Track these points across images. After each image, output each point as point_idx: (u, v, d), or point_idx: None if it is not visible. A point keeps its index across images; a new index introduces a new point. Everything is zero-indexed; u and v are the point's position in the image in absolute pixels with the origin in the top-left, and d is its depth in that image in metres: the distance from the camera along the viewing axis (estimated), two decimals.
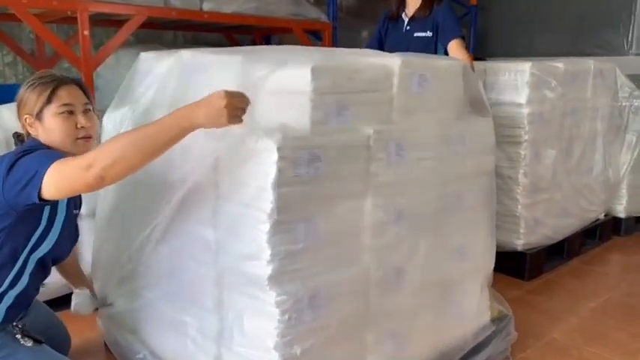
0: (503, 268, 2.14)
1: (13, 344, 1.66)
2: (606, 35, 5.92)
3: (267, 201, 1.42)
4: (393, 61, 1.68)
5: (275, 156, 1.39)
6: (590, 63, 3.39)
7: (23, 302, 1.72)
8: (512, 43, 6.55)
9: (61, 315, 2.18)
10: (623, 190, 3.83)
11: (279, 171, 1.40)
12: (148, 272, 1.84)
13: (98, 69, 3.72)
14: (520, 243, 3.03)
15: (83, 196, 2.50)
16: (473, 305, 2.01)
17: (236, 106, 1.37)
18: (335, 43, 5.07)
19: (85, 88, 1.73)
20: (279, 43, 5.38)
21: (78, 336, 2.26)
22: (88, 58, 3.51)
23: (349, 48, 2.05)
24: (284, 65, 1.56)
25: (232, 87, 1.61)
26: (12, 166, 1.49)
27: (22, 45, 4.78)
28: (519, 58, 3.26)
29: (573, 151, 3.31)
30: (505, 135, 2.91)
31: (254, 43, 5.47)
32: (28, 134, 1.66)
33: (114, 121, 2.09)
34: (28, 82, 1.65)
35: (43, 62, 4.75)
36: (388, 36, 2.99)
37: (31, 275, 1.68)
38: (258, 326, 1.50)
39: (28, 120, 1.61)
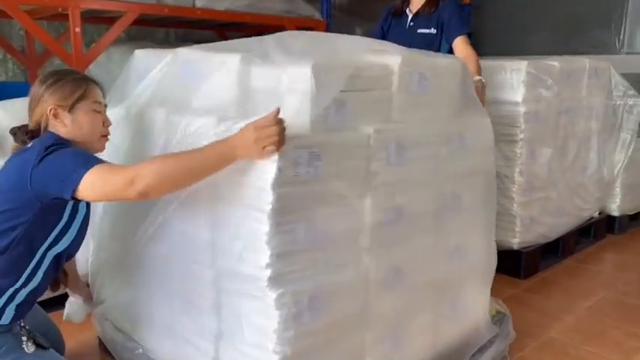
0: (499, 266, 2.14)
1: (19, 350, 1.62)
2: (598, 34, 5.94)
3: (266, 201, 1.39)
4: (393, 59, 1.66)
5: (275, 155, 1.37)
6: (585, 62, 3.39)
7: (32, 300, 1.68)
8: (506, 42, 6.56)
9: (52, 317, 2.16)
10: (617, 189, 3.84)
11: (279, 171, 1.38)
12: (145, 272, 1.81)
13: (89, 67, 3.67)
14: (516, 242, 3.03)
15: None
16: (472, 305, 2.00)
17: (267, 137, 1.36)
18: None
19: (104, 88, 1.77)
20: None
21: (71, 338, 2.23)
22: (79, 55, 3.46)
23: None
24: (283, 64, 1.53)
25: (230, 86, 1.60)
26: (44, 157, 1.48)
27: (12, 42, 4.71)
28: (513, 57, 3.25)
29: (568, 149, 3.32)
30: (501, 133, 2.90)
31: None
32: (44, 129, 1.60)
33: (111, 118, 2.05)
34: (55, 74, 1.64)
35: (34, 60, 4.69)
36: (391, 32, 2.93)
37: (45, 272, 1.65)
38: (257, 328, 1.48)
39: (53, 111, 1.58)
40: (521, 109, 2.94)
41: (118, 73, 2.14)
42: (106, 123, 1.70)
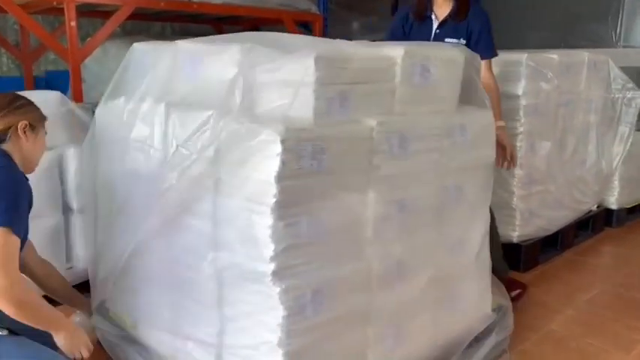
0: None
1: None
2: (595, 28, 5.94)
3: (270, 195, 1.38)
4: (395, 51, 1.65)
5: (278, 148, 1.36)
6: (584, 55, 3.39)
7: None
8: (503, 36, 6.54)
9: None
10: (616, 182, 3.85)
11: (283, 164, 1.36)
12: (146, 268, 1.79)
13: (85, 61, 3.63)
14: (515, 235, 3.03)
15: (78, 189, 2.48)
16: (473, 299, 2.00)
17: (75, 346, 1.60)
18: (325, 35, 5.02)
19: None
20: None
21: None
22: (75, 49, 3.42)
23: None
24: (285, 55, 1.52)
25: (232, 79, 1.58)
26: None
27: (6, 36, 4.66)
28: (511, 51, 3.24)
29: (567, 143, 3.31)
30: None
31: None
32: (3, 138, 1.66)
33: (107, 113, 2.03)
34: (24, 98, 1.78)
35: (28, 54, 4.64)
36: (413, 35, 2.54)
37: None
38: (260, 322, 1.47)
39: (25, 127, 1.69)
40: (521, 102, 2.93)
41: (114, 67, 2.11)
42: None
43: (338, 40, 1.87)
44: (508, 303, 2.21)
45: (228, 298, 1.57)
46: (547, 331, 2.46)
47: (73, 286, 2.26)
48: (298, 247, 1.44)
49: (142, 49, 1.98)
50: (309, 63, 1.43)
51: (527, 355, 2.24)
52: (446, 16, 2.52)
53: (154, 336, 1.86)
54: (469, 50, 1.96)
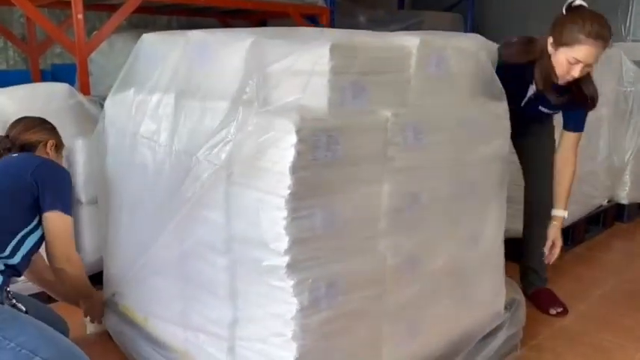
0: (510, 254, 2.12)
1: (18, 316, 1.66)
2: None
3: (284, 186, 1.36)
4: (411, 40, 1.62)
5: (294, 138, 1.33)
6: None
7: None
8: (509, 30, 6.50)
9: (60, 308, 2.13)
10: (627, 177, 3.80)
11: (298, 154, 1.34)
12: (157, 261, 1.77)
13: (92, 55, 3.61)
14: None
15: (86, 182, 2.49)
16: (486, 293, 1.97)
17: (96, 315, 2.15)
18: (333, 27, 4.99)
19: None
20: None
21: (82, 327, 2.22)
22: (82, 43, 3.40)
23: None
24: (300, 44, 1.49)
25: (245, 70, 1.55)
26: (53, 167, 1.89)
27: (12, 30, 4.65)
28: None
29: None
30: None
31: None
32: (33, 148, 1.99)
33: (116, 105, 2.02)
34: (48, 121, 2.10)
35: (35, 47, 4.63)
36: (505, 82, 1.94)
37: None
38: (274, 315, 1.45)
39: (54, 145, 2.04)
40: None
41: (121, 60, 2.11)
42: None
43: (349, 31, 1.84)
44: (521, 297, 2.18)
45: (241, 291, 1.55)
46: (560, 326, 2.43)
47: None
48: (312, 240, 1.42)
49: (151, 39, 1.96)
50: (324, 52, 1.40)
51: (541, 350, 2.22)
52: (555, 100, 2.17)
53: (166, 329, 1.85)
54: (484, 39, 1.92)
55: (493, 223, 1.96)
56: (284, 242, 1.38)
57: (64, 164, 2.18)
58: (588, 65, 2.03)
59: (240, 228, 1.52)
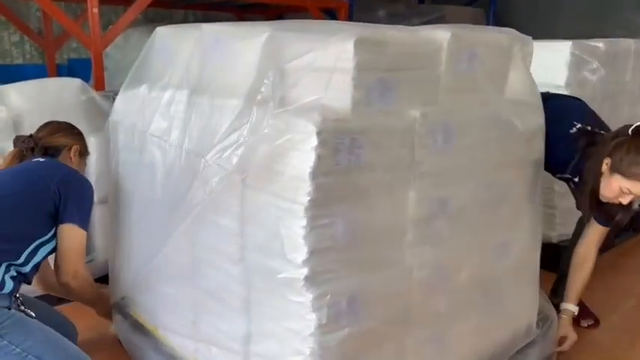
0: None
1: (26, 321, 1.64)
2: (628, 16, 5.68)
3: (303, 193, 1.25)
4: (441, 34, 1.49)
5: (314, 141, 1.23)
6: (630, 42, 3.18)
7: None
8: (532, 26, 6.31)
9: (70, 309, 2.06)
10: None
11: (319, 159, 1.23)
12: (168, 268, 1.68)
13: (107, 49, 3.55)
14: (555, 235, 2.86)
15: (99, 180, 2.42)
16: (518, 307, 1.85)
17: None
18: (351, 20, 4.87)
19: None
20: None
21: (90, 330, 2.15)
22: (97, 37, 3.33)
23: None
24: (320, 38, 1.38)
25: (261, 66, 1.45)
26: (78, 179, 1.86)
27: (29, 24, 4.62)
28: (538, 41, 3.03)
29: None
30: None
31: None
32: (51, 153, 1.93)
33: (127, 102, 1.93)
34: (76, 127, 2.06)
35: (51, 42, 4.59)
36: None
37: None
38: (290, 331, 1.35)
39: (77, 150, 1.99)
40: (564, 94, 2.74)
41: (136, 55, 2.03)
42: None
43: (371, 24, 1.73)
44: (553, 314, 2.05)
45: (255, 303, 1.45)
46: (591, 339, 2.30)
47: (94, 280, 2.23)
48: (333, 251, 1.31)
49: (165, 33, 1.86)
50: (348, 47, 1.29)
51: None
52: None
53: (175, 339, 1.76)
54: (519, 33, 1.79)
55: (526, 232, 1.83)
56: (302, 253, 1.28)
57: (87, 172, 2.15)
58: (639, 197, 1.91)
59: (254, 235, 1.42)
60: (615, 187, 1.87)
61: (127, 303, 1.96)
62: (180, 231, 1.57)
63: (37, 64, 4.84)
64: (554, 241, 2.87)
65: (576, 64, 2.76)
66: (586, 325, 2.38)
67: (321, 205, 1.27)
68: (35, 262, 1.72)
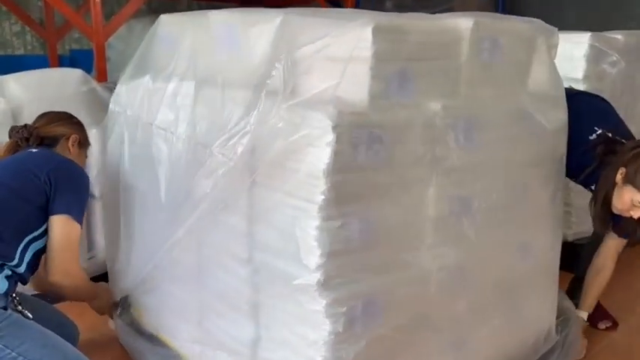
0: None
1: (23, 323, 1.56)
2: (638, 8, 5.56)
3: (317, 191, 1.17)
4: (463, 22, 1.40)
5: (330, 136, 1.14)
6: None
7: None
8: (544, 19, 6.19)
9: (70, 307, 1.98)
10: None
11: (335, 155, 1.15)
12: (171, 264, 1.60)
13: (110, 40, 3.46)
14: (570, 233, 2.77)
15: (100, 174, 2.34)
16: (538, 307, 1.77)
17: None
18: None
19: None
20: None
21: (91, 330, 2.07)
22: (99, 27, 3.24)
23: None
24: (336, 25, 1.29)
25: (272, 55, 1.36)
26: (71, 168, 1.73)
27: (30, 14, 4.52)
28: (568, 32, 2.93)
29: None
30: None
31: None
32: (49, 143, 1.82)
33: (129, 92, 1.85)
34: (75, 117, 1.96)
35: (53, 32, 4.50)
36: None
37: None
38: (302, 337, 1.27)
39: (76, 140, 1.87)
40: (581, 88, 2.64)
41: (139, 46, 1.96)
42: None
43: (386, 12, 1.64)
44: (574, 316, 1.97)
45: (264, 306, 1.38)
46: (610, 341, 2.21)
47: (95, 278, 2.16)
48: (349, 253, 1.23)
49: (169, 21, 1.78)
50: (366, 35, 1.20)
51: None
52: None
53: (179, 341, 1.69)
54: (543, 23, 1.69)
55: (547, 231, 1.75)
56: (316, 256, 1.20)
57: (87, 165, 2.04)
58: None
59: (263, 235, 1.34)
60: (627, 200, 1.78)
61: (129, 302, 1.89)
62: (185, 228, 1.48)
63: (38, 55, 4.75)
64: (570, 239, 2.77)
65: (595, 56, 2.65)
66: (604, 327, 2.29)
67: (336, 205, 1.19)
68: (29, 260, 1.63)
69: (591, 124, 1.99)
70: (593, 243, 2.30)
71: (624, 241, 2.08)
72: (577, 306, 2.19)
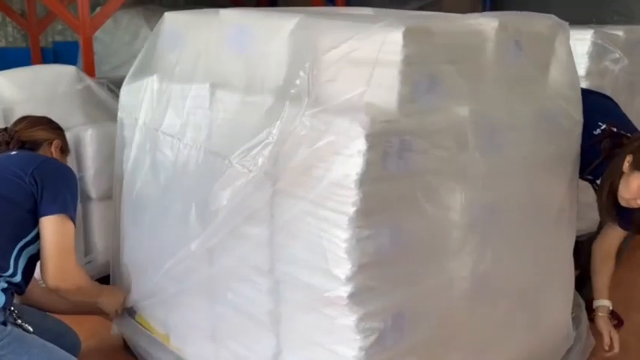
0: None
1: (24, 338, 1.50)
2: (629, 3, 5.58)
3: (348, 202, 1.13)
4: (487, 23, 1.36)
5: (363, 145, 1.09)
6: None
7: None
8: (527, 10, 6.20)
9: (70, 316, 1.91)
10: None
11: (367, 165, 1.10)
12: (185, 273, 1.53)
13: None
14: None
15: (97, 175, 2.25)
16: (558, 316, 1.75)
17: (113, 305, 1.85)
18: (349, 3, 4.71)
19: None
20: (286, 5, 4.97)
21: (92, 337, 2.01)
22: (86, 19, 3.11)
23: None
24: (360, 27, 1.24)
25: (292, 58, 1.30)
26: (56, 165, 1.69)
27: (11, 4, 4.36)
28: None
29: None
30: None
31: (258, 6, 5.03)
32: (36, 147, 1.77)
33: (132, 94, 1.77)
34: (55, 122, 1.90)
35: (35, 24, 4.35)
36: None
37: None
38: (330, 353, 1.23)
39: (58, 145, 1.83)
40: (583, 85, 2.63)
41: (126, 39, 1.88)
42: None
43: (402, 11, 1.59)
44: (584, 315, 1.96)
45: (286, 319, 1.33)
46: (620, 340, 2.20)
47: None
48: (379, 264, 1.19)
49: (175, 19, 1.70)
50: (396, 37, 1.15)
51: None
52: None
53: (192, 351, 1.63)
54: (559, 20, 1.66)
55: (565, 231, 1.73)
56: (346, 268, 1.15)
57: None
58: None
59: (285, 246, 1.29)
60: (634, 187, 1.75)
61: (134, 310, 1.82)
62: (201, 240, 1.42)
63: (20, 48, 4.60)
64: None
65: (597, 53, 2.64)
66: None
67: (367, 215, 1.14)
68: (23, 268, 1.56)
69: (595, 120, 1.97)
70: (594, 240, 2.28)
71: (624, 233, 2.05)
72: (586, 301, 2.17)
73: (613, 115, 2.10)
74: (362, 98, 1.18)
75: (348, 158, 1.12)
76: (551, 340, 1.72)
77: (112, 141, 2.12)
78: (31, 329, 1.55)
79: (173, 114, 1.57)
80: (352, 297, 1.16)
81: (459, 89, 1.31)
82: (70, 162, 2.25)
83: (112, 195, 2.15)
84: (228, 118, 1.40)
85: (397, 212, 1.20)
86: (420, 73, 1.21)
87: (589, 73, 2.63)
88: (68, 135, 2.19)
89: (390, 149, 1.14)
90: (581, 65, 2.63)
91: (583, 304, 2.02)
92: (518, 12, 1.60)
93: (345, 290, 1.16)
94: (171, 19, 1.70)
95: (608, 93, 2.67)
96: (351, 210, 1.12)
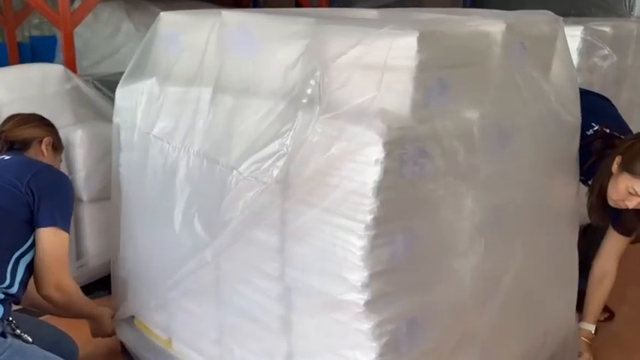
0: None
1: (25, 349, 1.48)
2: None
3: (364, 210, 1.12)
4: (494, 25, 1.36)
5: (380, 153, 1.09)
6: (633, 26, 3.12)
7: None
8: (504, 5, 6.21)
9: (67, 321, 1.86)
10: None
11: (385, 172, 1.09)
12: (191, 278, 1.51)
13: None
14: None
15: (88, 178, 2.19)
16: (563, 311, 1.77)
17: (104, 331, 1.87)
18: (332, 5, 4.66)
19: None
20: (266, 5, 4.89)
21: (90, 342, 1.96)
22: (67, 13, 3.00)
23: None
24: (370, 32, 1.22)
25: (301, 62, 1.28)
26: (52, 174, 1.65)
27: None
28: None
29: None
30: None
31: (238, 5, 4.90)
32: (25, 146, 1.73)
33: (127, 98, 1.72)
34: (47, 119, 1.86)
35: (11, 18, 4.20)
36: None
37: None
38: (345, 359, 1.22)
39: (50, 143, 1.78)
40: None
41: (107, 33, 1.84)
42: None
43: (407, 12, 1.58)
44: None
45: (298, 325, 1.32)
46: (610, 333, 2.23)
47: (86, 286, 2.06)
48: (394, 271, 1.19)
49: (172, 19, 1.65)
50: (410, 42, 1.14)
51: None
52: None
53: (196, 356, 1.61)
54: (555, 16, 1.66)
55: (569, 230, 1.75)
56: (362, 275, 1.15)
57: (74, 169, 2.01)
58: None
59: (296, 252, 1.27)
60: (622, 188, 1.75)
61: (144, 321, 1.79)
62: (212, 249, 1.39)
63: None
64: None
65: (587, 49, 2.67)
66: (602, 318, 2.33)
67: (383, 223, 1.14)
68: (20, 279, 1.53)
69: (589, 120, 1.98)
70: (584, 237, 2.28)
71: (627, 241, 2.01)
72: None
73: (607, 116, 2.11)
74: (373, 104, 1.17)
75: (364, 166, 1.11)
76: (557, 336, 1.75)
77: (103, 142, 2.08)
78: (31, 339, 1.52)
79: (172, 118, 1.54)
80: (368, 304, 1.15)
81: (467, 93, 1.31)
82: (61, 164, 2.21)
83: (103, 197, 2.12)
84: (229, 124, 1.37)
85: (410, 218, 1.20)
86: (432, 79, 1.20)
87: (579, 70, 2.64)
88: None
89: (406, 156, 1.13)
90: None
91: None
92: (519, 12, 1.60)
93: (360, 297, 1.15)
94: (168, 19, 1.65)
95: (596, 89, 2.70)
96: (368, 218, 1.11)
